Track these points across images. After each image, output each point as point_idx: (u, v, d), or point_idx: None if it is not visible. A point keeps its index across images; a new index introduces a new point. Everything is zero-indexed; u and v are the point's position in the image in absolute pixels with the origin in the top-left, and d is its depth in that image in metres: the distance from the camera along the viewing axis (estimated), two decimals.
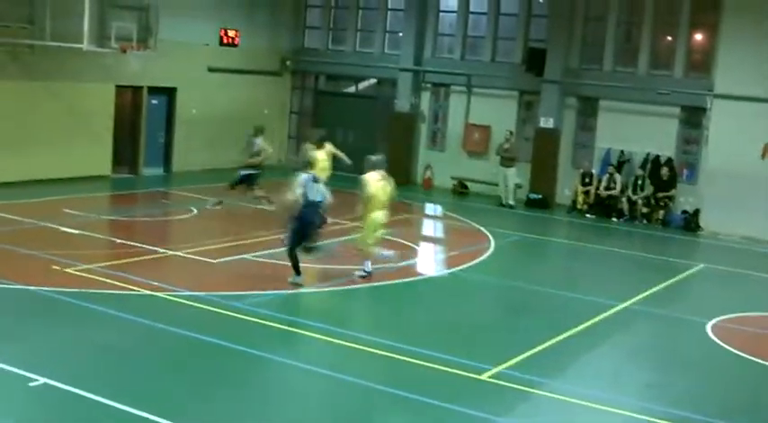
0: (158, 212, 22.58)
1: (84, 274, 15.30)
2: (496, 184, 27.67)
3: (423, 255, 20.49)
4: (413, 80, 30.02)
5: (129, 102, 27.30)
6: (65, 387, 10.30)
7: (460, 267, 18.53)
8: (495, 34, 29.43)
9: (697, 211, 25.47)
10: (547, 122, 27.75)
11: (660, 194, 25.74)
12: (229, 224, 21.00)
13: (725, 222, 24.79)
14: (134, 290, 14.66)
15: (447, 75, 29.77)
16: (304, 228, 15.63)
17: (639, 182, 26.10)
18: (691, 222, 25.32)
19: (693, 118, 26.23)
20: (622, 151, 26.80)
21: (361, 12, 31.95)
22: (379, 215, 16.68)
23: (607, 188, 26.25)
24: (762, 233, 24.40)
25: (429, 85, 30.39)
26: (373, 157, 16.97)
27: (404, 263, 17.81)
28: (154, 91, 27.63)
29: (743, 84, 24.70)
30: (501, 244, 21.21)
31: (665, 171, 25.69)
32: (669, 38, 26.93)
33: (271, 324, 13.57)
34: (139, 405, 9.97)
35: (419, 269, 19.03)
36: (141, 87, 27.20)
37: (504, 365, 12.27)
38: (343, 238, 19.71)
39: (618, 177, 26.21)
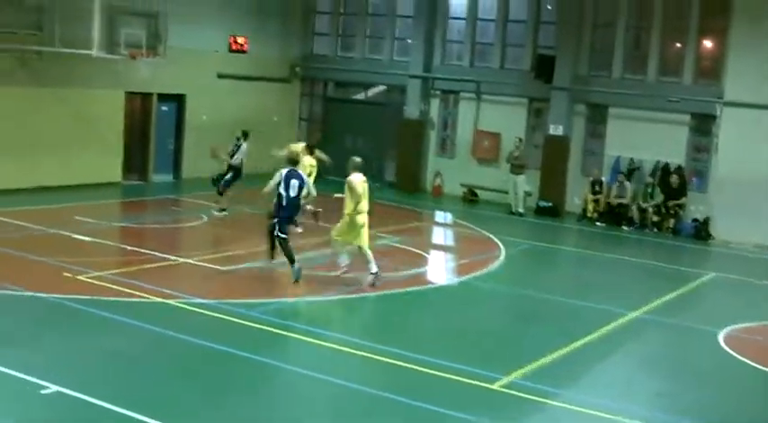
0: (168, 220, 22.58)
1: (94, 282, 15.30)
2: (506, 192, 27.64)
3: (433, 263, 20.47)
4: (422, 87, 30.03)
5: (139, 108, 27.37)
6: (76, 394, 10.30)
7: (471, 276, 18.50)
8: (503, 41, 29.44)
9: (708, 220, 25.39)
10: (556, 130, 27.71)
11: (670, 203, 25.68)
12: (239, 232, 21.01)
13: (736, 230, 24.68)
14: (144, 297, 14.66)
15: (456, 82, 29.77)
16: (282, 221, 16.21)
17: (649, 190, 26.04)
18: (701, 231, 25.23)
19: (703, 125, 26.16)
20: (632, 159, 26.74)
21: (370, 18, 31.99)
22: (363, 216, 16.71)
23: (617, 196, 26.20)
24: None
25: (438, 92, 30.39)
26: (357, 159, 17.09)
27: (348, 275, 17.19)
28: (163, 98, 27.68)
29: (753, 91, 24.62)
30: (511, 252, 21.17)
31: (674, 179, 25.63)
32: (678, 45, 26.90)
33: (280, 332, 13.56)
34: (150, 412, 9.96)
35: (429, 277, 19.01)
36: (151, 94, 27.27)
37: (516, 375, 12.23)
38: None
39: (628, 185, 26.16)
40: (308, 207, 18.47)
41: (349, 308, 15.77)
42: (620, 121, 27.16)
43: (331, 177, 24.26)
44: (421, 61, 29.96)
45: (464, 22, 30.06)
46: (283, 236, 16.25)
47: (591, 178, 26.87)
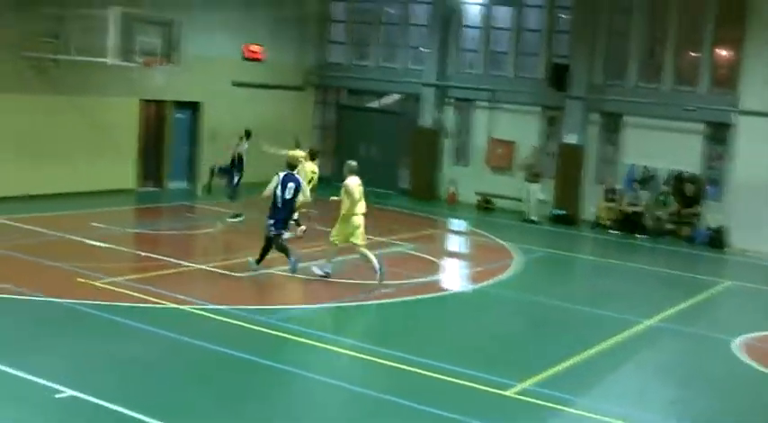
0: (183, 226, 22.63)
1: (109, 287, 15.35)
2: (520, 200, 27.64)
3: (447, 270, 20.46)
4: (436, 95, 30.06)
5: (154, 116, 27.47)
6: (90, 399, 10.32)
7: (485, 283, 18.49)
8: (518, 50, 29.47)
9: (723, 228, 25.29)
10: (571, 138, 27.69)
11: (685, 211, 25.62)
12: (254, 238, 20.96)
13: (752, 239, 24.57)
14: (159, 303, 14.70)
15: (470, 90, 29.80)
16: (277, 221, 16.85)
17: (664, 198, 25.98)
18: (716, 239, 25.15)
19: (718, 134, 26.09)
20: (646, 167, 26.70)
21: (384, 27, 32.06)
22: (358, 218, 17.11)
23: (632, 204, 26.15)
24: None
25: (452, 101, 30.42)
26: (352, 163, 17.52)
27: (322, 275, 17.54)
28: (179, 105, 27.77)
29: None
30: (525, 260, 21.14)
31: (689, 187, 25.58)
32: (693, 53, 26.86)
33: (295, 338, 13.55)
34: (164, 418, 9.99)
35: (443, 285, 19.00)
36: (166, 101, 27.36)
37: (530, 382, 12.20)
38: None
39: (643, 194, 26.11)
40: (302, 210, 19.14)
41: (364, 314, 15.77)
42: (635, 129, 27.12)
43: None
44: (435, 69, 30.00)
45: (478, 30, 30.10)
46: (276, 233, 16.86)
47: (605, 186, 26.84)
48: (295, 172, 17.45)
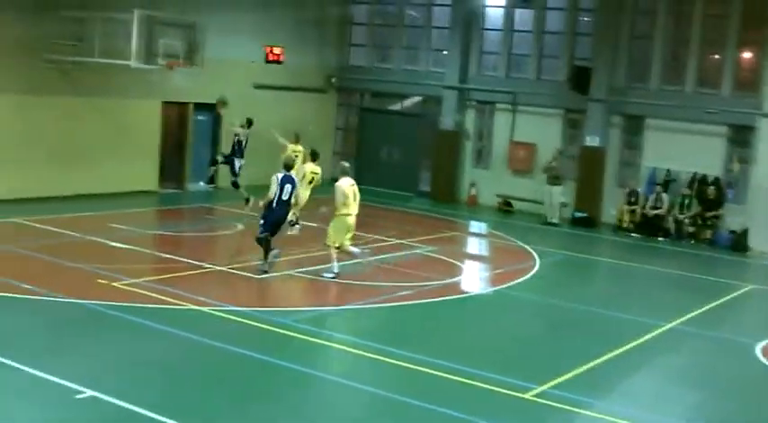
0: (204, 227, 22.70)
1: (129, 288, 15.40)
2: (541, 202, 27.58)
3: (467, 272, 20.43)
4: (458, 98, 30.04)
5: (175, 118, 27.56)
6: (110, 400, 10.36)
7: (505, 285, 18.45)
8: (539, 52, 29.42)
9: (745, 231, 25.16)
10: (592, 141, 27.63)
11: (707, 214, 25.50)
12: (274, 241, 21.03)
13: None
14: (179, 304, 14.74)
15: (492, 92, 29.77)
16: (272, 223, 17.18)
17: (686, 201, 25.87)
18: (738, 242, 25.02)
19: (741, 137, 25.96)
20: (668, 170, 26.59)
21: (406, 29, 32.07)
22: (351, 218, 17.37)
23: (654, 207, 26.04)
24: None
25: (474, 103, 30.40)
26: (345, 164, 18.06)
27: (372, 258, 18.18)
28: (200, 107, 27.86)
29: None
30: (546, 262, 21.10)
31: (711, 190, 25.47)
32: (716, 56, 26.75)
33: (314, 340, 13.57)
34: (184, 419, 10.02)
35: (463, 287, 18.97)
36: (187, 103, 27.46)
37: (549, 384, 12.16)
38: (385, 256, 19.79)
39: (665, 196, 26.01)
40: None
41: (382, 316, 15.73)
42: (657, 132, 27.03)
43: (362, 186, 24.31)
44: (457, 72, 29.99)
45: (500, 33, 30.06)
46: (265, 234, 17.10)
47: (627, 189, 26.76)
48: (292, 173, 17.63)
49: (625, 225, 26.46)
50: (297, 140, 23.24)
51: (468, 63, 30.21)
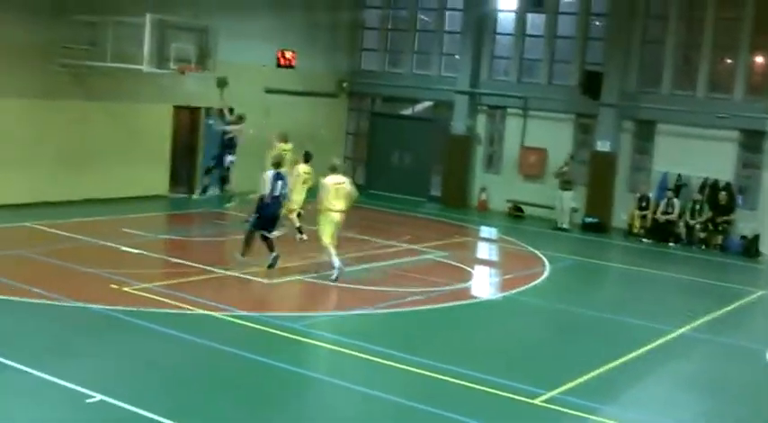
0: (214, 232, 22.73)
1: (140, 293, 15.44)
2: (552, 208, 27.56)
3: (477, 278, 20.43)
4: (469, 102, 30.05)
5: (187, 122, 27.61)
6: (121, 404, 10.38)
7: (515, 291, 18.44)
8: (551, 57, 29.40)
9: (757, 237, 25.11)
10: (603, 146, 27.60)
11: (718, 219, 25.44)
12: (284, 245, 21.05)
13: None
14: (189, 309, 14.77)
15: (503, 97, 29.76)
16: (266, 219, 17.61)
17: (697, 206, 25.81)
18: (750, 248, 24.97)
19: (753, 142, 25.90)
20: (679, 175, 26.54)
21: (418, 34, 32.08)
22: (335, 214, 17.57)
23: (665, 212, 26.00)
24: None
25: (485, 108, 30.39)
26: (334, 161, 18.36)
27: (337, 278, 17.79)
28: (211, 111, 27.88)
29: None
30: (556, 268, 21.08)
31: (723, 195, 25.41)
32: (728, 60, 26.70)
33: (324, 345, 13.60)
34: None
35: (473, 292, 18.97)
36: (198, 108, 27.52)
37: (558, 390, 12.15)
38: (397, 261, 19.80)
39: (676, 202, 25.96)
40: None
41: (392, 321, 15.74)
42: (669, 137, 26.98)
43: (373, 191, 24.41)
44: (468, 77, 30.00)
45: (512, 37, 30.05)
46: (251, 229, 17.66)
47: (638, 194, 26.72)
48: (282, 170, 17.99)
49: (636, 230, 26.44)
50: (285, 140, 23.20)
51: (480, 68, 30.22)
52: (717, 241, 25.48)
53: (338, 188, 17.65)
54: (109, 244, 19.24)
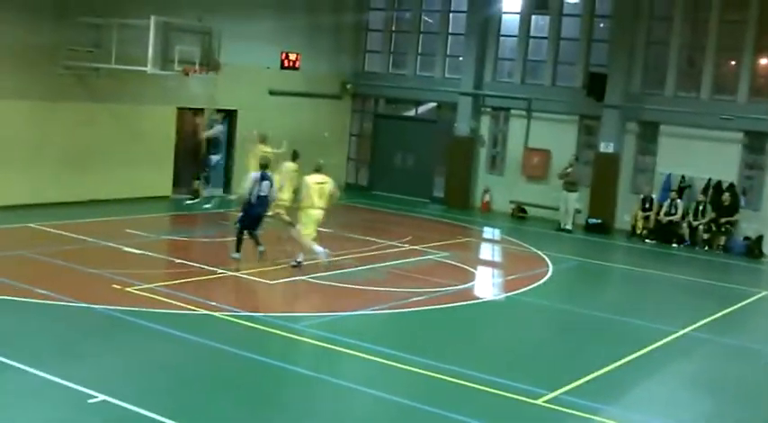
0: (217, 233, 22.73)
1: (144, 294, 15.47)
2: (555, 209, 27.54)
3: (480, 278, 20.43)
4: (473, 104, 30.03)
5: (191, 124, 27.63)
6: (123, 404, 10.40)
7: (518, 291, 18.44)
8: (555, 58, 29.38)
9: (760, 238, 25.09)
10: (607, 147, 27.57)
11: (722, 220, 25.41)
12: (286, 246, 21.09)
13: None
14: (193, 310, 14.79)
15: (507, 99, 29.73)
16: (251, 218, 18.11)
17: (701, 207, 25.79)
18: (753, 249, 24.95)
19: (756, 143, 25.88)
20: (683, 176, 26.52)
21: (421, 36, 32.07)
22: (316, 212, 18.28)
23: (668, 214, 25.98)
24: None
25: (489, 109, 30.38)
26: (319, 161, 18.77)
27: (330, 260, 18.44)
28: (215, 113, 27.88)
29: None
30: (559, 269, 21.07)
31: (726, 196, 25.39)
32: (732, 62, 26.66)
33: (326, 345, 13.59)
34: None
35: (476, 293, 18.97)
36: (202, 109, 27.55)
37: (561, 391, 12.16)
38: (400, 262, 19.80)
39: (679, 203, 25.94)
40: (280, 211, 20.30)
41: (395, 322, 15.75)
42: (672, 138, 26.95)
43: (376, 192, 24.44)
44: (472, 78, 29.99)
45: (516, 39, 30.03)
46: (241, 227, 18.10)
47: (641, 195, 26.70)
48: (267, 171, 18.36)
49: (639, 231, 26.42)
50: (263, 141, 23.26)
51: (484, 69, 30.20)
52: (720, 242, 25.45)
53: (321, 187, 18.24)
54: (112, 245, 19.27)
